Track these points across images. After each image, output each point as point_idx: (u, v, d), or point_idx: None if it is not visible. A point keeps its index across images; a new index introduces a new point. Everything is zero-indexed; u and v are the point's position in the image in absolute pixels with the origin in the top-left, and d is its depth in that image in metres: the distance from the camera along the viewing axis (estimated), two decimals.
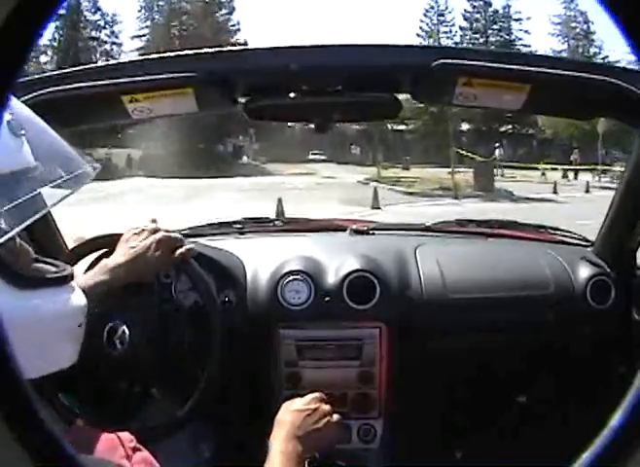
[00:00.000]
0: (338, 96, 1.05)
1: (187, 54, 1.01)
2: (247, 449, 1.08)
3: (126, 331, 1.05)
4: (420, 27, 36.30)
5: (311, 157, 28.24)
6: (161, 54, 1.04)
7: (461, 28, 36.75)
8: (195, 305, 1.18)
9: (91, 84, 0.98)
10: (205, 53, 1.01)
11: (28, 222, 0.50)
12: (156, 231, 1.06)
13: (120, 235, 1.15)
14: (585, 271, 1.33)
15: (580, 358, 1.39)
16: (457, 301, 1.30)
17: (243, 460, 1.02)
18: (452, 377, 1.42)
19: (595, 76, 0.96)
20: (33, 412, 0.36)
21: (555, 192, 15.72)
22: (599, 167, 20.51)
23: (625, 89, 0.94)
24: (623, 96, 0.95)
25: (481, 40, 34.15)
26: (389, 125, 24.71)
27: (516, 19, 37.03)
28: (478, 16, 37.02)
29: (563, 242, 1.53)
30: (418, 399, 1.37)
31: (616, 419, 0.36)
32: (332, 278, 1.25)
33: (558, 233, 1.59)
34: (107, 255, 1.19)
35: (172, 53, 1.03)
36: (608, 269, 1.33)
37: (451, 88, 0.97)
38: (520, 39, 36.63)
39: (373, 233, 1.50)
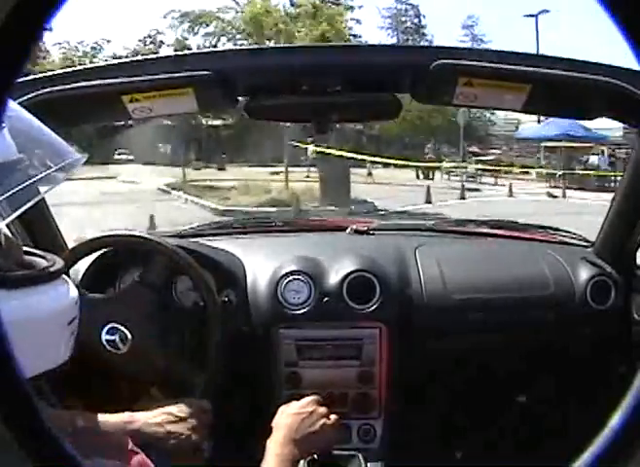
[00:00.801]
0: (338, 96, 1.05)
1: (187, 54, 1.02)
2: (247, 449, 1.08)
3: (127, 331, 1.05)
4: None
5: (117, 157, 23.76)
6: (162, 55, 1.04)
7: (287, 14, 34.39)
8: (195, 305, 1.18)
9: (91, 84, 0.98)
10: (205, 53, 1.01)
11: (16, 214, 0.50)
12: (194, 442, 0.96)
13: (121, 237, 1.15)
14: (585, 272, 1.33)
15: (580, 358, 1.39)
16: (457, 301, 1.30)
17: (243, 461, 1.02)
18: (452, 377, 1.42)
19: (595, 76, 0.96)
20: (33, 412, 0.36)
21: (429, 201, 11.17)
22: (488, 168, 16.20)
23: (625, 89, 0.93)
24: (623, 96, 0.95)
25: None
26: (204, 120, 20.65)
27: (348, 8, 35.03)
28: (305, 1, 35.02)
29: (563, 242, 1.53)
30: (418, 399, 1.37)
31: (616, 420, 0.36)
32: (332, 278, 1.25)
33: (558, 233, 1.59)
34: (108, 255, 1.19)
35: (172, 53, 1.03)
36: (608, 270, 1.33)
37: (451, 88, 0.97)
38: (351, 28, 34.15)
39: (373, 234, 1.50)
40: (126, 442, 0.67)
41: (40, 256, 0.62)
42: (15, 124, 0.53)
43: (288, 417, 0.96)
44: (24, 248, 0.62)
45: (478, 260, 1.42)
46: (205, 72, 0.97)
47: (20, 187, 0.49)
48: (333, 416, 1.00)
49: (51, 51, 20.73)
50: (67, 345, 0.62)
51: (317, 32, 13.70)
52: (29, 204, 0.51)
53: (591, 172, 14.60)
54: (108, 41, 23.00)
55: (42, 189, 0.55)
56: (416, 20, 35.15)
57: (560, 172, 14.87)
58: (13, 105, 0.56)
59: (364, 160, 14.50)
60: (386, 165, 16.72)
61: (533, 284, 1.33)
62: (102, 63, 1.03)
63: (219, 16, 16.48)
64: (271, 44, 12.91)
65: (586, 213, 6.32)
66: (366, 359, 1.23)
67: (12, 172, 0.50)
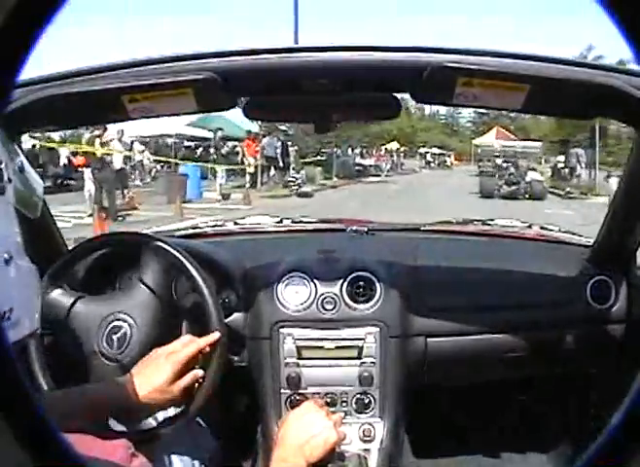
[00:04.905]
0: (338, 96, 1.05)
1: (187, 55, 1.01)
2: (247, 449, 1.08)
3: (127, 332, 1.05)
4: None
5: None
6: (162, 55, 1.04)
7: None
8: (195, 305, 1.18)
9: (91, 84, 0.98)
10: (205, 53, 1.01)
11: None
12: None
13: (120, 237, 1.15)
14: (585, 272, 1.33)
15: (580, 358, 1.39)
16: (457, 301, 1.30)
17: (243, 460, 1.02)
18: (452, 378, 1.42)
19: (595, 76, 0.95)
20: (34, 411, 0.36)
21: None
22: None
23: (625, 90, 0.93)
24: (623, 96, 0.95)
25: None
26: None
27: None
28: None
29: (563, 242, 1.53)
30: (418, 399, 1.37)
31: (616, 419, 0.36)
32: (332, 278, 1.25)
33: (559, 233, 1.60)
34: (107, 255, 1.19)
35: (172, 54, 1.03)
36: (608, 270, 1.33)
37: (451, 87, 0.97)
38: None
39: (373, 234, 1.50)
40: (128, 445, 0.68)
41: None
42: None
43: (289, 426, 0.98)
44: None
45: (478, 260, 1.42)
46: (205, 72, 0.97)
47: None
48: (334, 416, 1.00)
49: None
50: (36, 316, 0.61)
51: None
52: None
53: None
54: None
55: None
56: None
57: None
58: None
59: None
60: None
61: (533, 284, 1.33)
62: (102, 63, 1.03)
63: None
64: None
65: None
66: (366, 359, 1.23)
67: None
